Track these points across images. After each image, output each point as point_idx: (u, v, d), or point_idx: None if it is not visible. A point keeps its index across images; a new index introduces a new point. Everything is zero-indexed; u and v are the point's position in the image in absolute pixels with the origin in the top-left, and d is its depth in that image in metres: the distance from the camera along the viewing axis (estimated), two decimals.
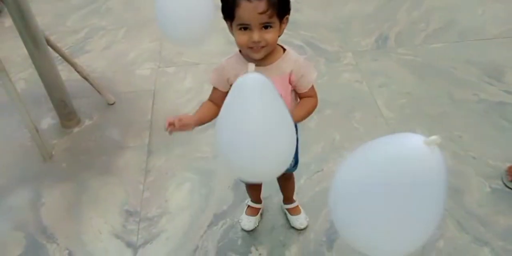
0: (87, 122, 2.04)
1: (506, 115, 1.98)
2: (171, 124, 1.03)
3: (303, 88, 1.12)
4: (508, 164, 1.76)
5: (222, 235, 1.55)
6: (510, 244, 1.50)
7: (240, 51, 1.12)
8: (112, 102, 2.12)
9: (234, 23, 1.00)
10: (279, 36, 1.07)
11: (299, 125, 1.29)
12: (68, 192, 1.73)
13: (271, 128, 0.84)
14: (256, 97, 0.82)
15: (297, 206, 1.57)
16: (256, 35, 0.98)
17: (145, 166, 1.82)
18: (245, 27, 0.98)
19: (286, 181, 1.51)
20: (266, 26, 0.98)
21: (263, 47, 1.01)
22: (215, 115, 1.04)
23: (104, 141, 1.95)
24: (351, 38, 2.51)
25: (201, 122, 1.10)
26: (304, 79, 1.10)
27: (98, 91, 2.08)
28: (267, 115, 0.83)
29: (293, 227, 1.55)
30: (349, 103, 2.09)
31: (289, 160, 0.93)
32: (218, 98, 1.11)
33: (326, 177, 1.74)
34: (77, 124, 2.01)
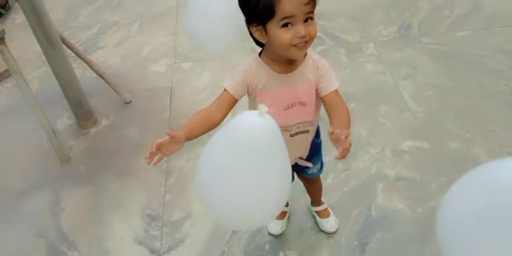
0: (104, 122, 1.99)
1: None
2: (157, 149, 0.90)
3: (325, 90, 1.02)
4: None
5: (249, 239, 1.50)
6: None
7: (259, 55, 1.03)
8: (128, 101, 2.06)
9: (274, 21, 0.90)
10: None
11: (320, 125, 1.21)
12: (88, 196, 1.69)
13: (269, 183, 0.74)
14: (265, 150, 0.70)
15: (326, 208, 1.50)
16: (302, 29, 0.90)
17: (166, 167, 1.76)
18: (286, 23, 0.90)
19: (312, 185, 1.44)
20: (306, 19, 0.91)
21: (306, 42, 0.93)
22: (207, 129, 0.97)
23: (122, 141, 1.90)
24: (372, 27, 2.40)
25: (188, 138, 0.96)
26: (324, 79, 1.01)
27: (115, 90, 2.02)
28: (268, 169, 0.72)
29: (322, 231, 1.49)
30: (374, 96, 2.00)
31: (282, 205, 0.85)
32: (224, 104, 1.01)
33: (354, 175, 1.67)
34: (94, 124, 1.96)
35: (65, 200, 1.69)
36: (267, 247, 1.47)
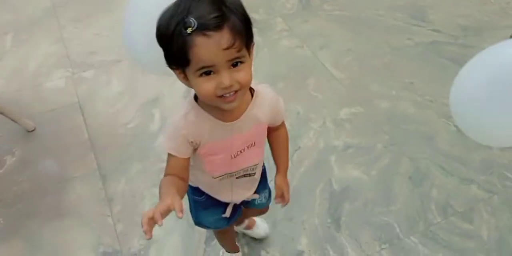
0: (10, 160, 1.65)
1: (442, 53, 2.05)
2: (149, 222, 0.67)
3: (276, 123, 0.93)
4: None
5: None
6: (490, 175, 1.58)
7: (195, 99, 0.81)
8: (32, 129, 1.73)
9: (191, 70, 0.71)
10: None
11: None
12: (19, 252, 1.39)
13: None
14: None
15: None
16: (226, 78, 0.70)
17: (105, 195, 1.54)
18: (207, 72, 0.70)
19: (259, 214, 1.30)
20: (235, 64, 0.71)
21: (236, 91, 0.73)
22: (185, 191, 0.82)
23: (41, 178, 1.60)
24: (274, 2, 2.36)
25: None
26: (279, 115, 0.91)
27: (12, 119, 1.68)
28: None
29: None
30: (298, 71, 1.99)
31: None
32: (180, 168, 0.82)
33: (306, 154, 1.65)
34: None
35: None
36: (246, 250, 1.39)
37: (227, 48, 0.68)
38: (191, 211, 1.09)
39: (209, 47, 0.67)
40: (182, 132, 0.80)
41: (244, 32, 0.70)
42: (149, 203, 1.52)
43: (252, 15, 2.46)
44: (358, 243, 1.40)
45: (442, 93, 1.87)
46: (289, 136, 1.02)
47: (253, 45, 0.76)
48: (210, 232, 1.43)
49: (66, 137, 1.72)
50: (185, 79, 0.74)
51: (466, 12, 2.24)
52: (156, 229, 1.49)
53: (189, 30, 0.66)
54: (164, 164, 1.63)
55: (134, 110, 1.83)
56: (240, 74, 0.72)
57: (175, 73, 0.76)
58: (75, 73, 2.01)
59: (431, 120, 1.77)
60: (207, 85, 0.71)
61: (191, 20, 0.67)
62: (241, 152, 0.88)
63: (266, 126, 0.90)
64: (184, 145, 0.82)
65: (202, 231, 1.43)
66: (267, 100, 0.86)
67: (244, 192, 1.03)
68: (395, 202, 1.51)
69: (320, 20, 2.25)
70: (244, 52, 0.71)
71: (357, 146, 1.69)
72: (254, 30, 2.39)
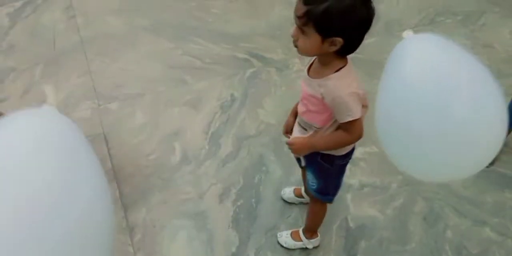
0: None
1: None
2: None
3: (336, 116, 1.10)
4: None
5: None
6: (503, 218, 1.61)
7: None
8: None
9: None
10: (321, 54, 1.06)
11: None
12: None
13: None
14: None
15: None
16: (293, 30, 1.01)
17: (126, 223, 1.57)
18: None
19: (310, 204, 1.47)
20: (302, 30, 0.99)
21: (296, 46, 1.04)
22: None
23: None
24: (291, 43, 2.47)
25: None
26: (336, 110, 1.08)
27: None
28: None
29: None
30: None
31: None
32: None
33: None
34: None
35: None
36: None
37: (297, 17, 0.97)
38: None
39: (295, 8, 0.98)
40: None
41: (315, 18, 0.95)
42: (168, 233, 1.55)
43: (271, 55, 2.61)
44: None
45: None
46: None
47: (333, 41, 0.99)
48: None
49: None
50: None
51: None
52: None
53: None
54: (184, 196, 1.68)
55: (156, 142, 1.90)
56: (300, 37, 1.01)
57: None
58: (100, 105, 2.10)
59: None
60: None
61: None
62: (301, 100, 1.16)
63: (321, 102, 1.08)
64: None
65: None
66: (332, 92, 1.06)
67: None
68: (410, 242, 1.53)
69: None
70: (308, 29, 0.97)
71: (372, 185, 1.73)
72: (273, 69, 2.53)
